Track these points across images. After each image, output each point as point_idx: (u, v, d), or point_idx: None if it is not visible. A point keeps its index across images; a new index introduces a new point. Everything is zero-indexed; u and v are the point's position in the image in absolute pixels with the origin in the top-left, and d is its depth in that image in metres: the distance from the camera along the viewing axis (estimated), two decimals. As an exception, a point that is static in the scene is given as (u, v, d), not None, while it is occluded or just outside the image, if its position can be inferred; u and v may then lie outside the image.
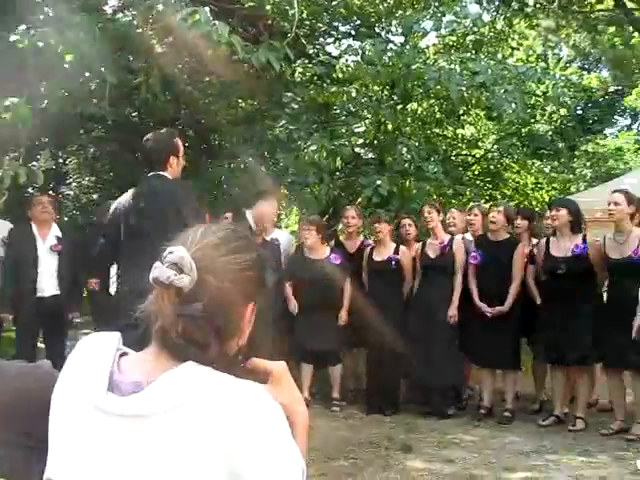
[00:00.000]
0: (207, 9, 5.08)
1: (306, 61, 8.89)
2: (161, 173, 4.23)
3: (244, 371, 1.31)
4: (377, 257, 6.84)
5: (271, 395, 1.24)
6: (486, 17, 12.80)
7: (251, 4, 8.57)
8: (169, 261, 1.23)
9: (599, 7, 14.86)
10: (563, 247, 6.04)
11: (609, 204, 5.80)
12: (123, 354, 1.28)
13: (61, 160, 12.74)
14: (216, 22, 4.70)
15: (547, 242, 6.23)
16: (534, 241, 6.72)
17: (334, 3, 9.60)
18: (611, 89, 21.98)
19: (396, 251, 6.78)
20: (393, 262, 6.73)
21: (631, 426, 5.77)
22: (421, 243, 6.83)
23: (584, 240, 6.00)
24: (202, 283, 1.23)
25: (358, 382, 7.26)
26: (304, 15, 9.33)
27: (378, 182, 7.27)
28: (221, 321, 1.24)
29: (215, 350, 1.22)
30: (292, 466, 1.19)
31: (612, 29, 15.40)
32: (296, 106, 8.02)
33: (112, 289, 6.35)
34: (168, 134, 4.48)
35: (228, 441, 1.13)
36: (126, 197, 4.33)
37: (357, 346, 7.13)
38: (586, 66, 24.70)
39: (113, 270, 5.70)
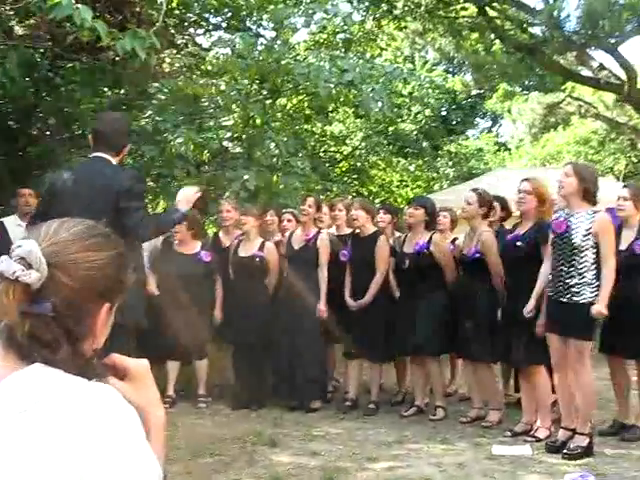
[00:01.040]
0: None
1: (174, 51, 8.72)
2: (107, 157, 3.96)
3: (99, 372, 1.25)
4: (242, 252, 6.81)
5: (128, 395, 1.19)
6: (356, 17, 13.02)
7: (118, -11, 8.31)
8: (17, 255, 1.15)
9: (463, 13, 15.42)
10: (412, 243, 6.29)
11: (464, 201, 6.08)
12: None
13: None
14: (79, 5, 4.50)
15: (405, 238, 6.48)
16: (397, 235, 6.93)
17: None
18: (473, 92, 22.92)
19: (261, 247, 6.79)
20: (257, 259, 6.73)
21: (487, 413, 6.06)
22: (289, 233, 6.86)
23: (430, 238, 6.25)
24: (52, 280, 1.16)
25: (224, 377, 7.21)
26: (173, 4, 9.14)
27: (246, 176, 7.22)
28: (72, 321, 1.18)
29: (66, 351, 1.15)
30: (146, 472, 1.13)
31: (475, 35, 16.02)
32: (163, 97, 7.83)
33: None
34: (125, 118, 4.22)
35: (77, 448, 1.06)
36: (66, 178, 4.02)
37: (223, 342, 7.07)
38: (451, 69, 25.67)
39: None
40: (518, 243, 5.53)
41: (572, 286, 5.02)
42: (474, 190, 6.18)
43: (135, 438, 1.14)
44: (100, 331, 1.27)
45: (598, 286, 4.95)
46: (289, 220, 6.96)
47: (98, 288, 1.23)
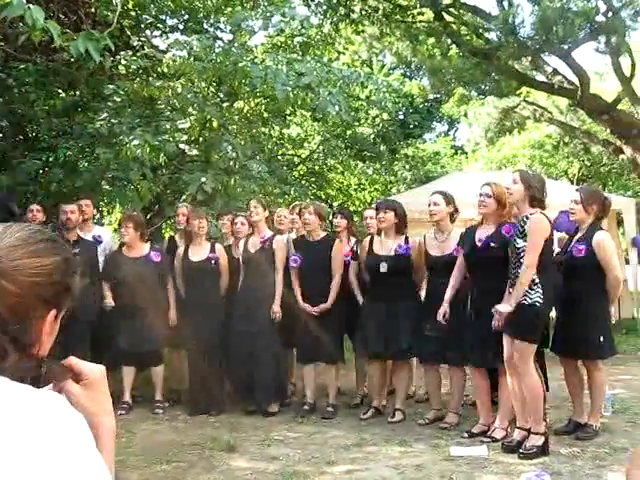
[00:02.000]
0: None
1: (130, 53, 8.61)
2: None
3: (57, 375, 1.21)
4: (194, 257, 6.76)
5: (81, 400, 1.16)
6: (314, 20, 13.05)
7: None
8: None
9: (420, 18, 15.57)
10: (386, 246, 6.26)
11: (429, 205, 6.06)
12: None
13: None
14: (31, 5, 4.43)
15: (371, 241, 6.43)
16: (353, 240, 6.91)
17: (161, -5, 9.37)
18: (430, 97, 23.10)
19: (212, 249, 6.75)
20: (213, 261, 6.69)
21: (445, 415, 6.09)
22: (245, 237, 6.81)
23: (406, 240, 6.25)
24: None
25: (182, 383, 7.13)
26: (129, 6, 9.04)
27: (202, 179, 7.17)
28: (17, 329, 1.14)
29: (13, 359, 1.12)
30: None
31: (432, 40, 16.17)
32: (119, 99, 7.74)
33: None
34: None
35: (24, 458, 1.02)
36: None
37: (179, 347, 7.01)
38: (408, 73, 25.84)
39: None
40: (492, 244, 5.53)
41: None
42: (438, 192, 6.19)
43: (84, 447, 1.10)
44: (46, 338, 1.23)
45: (540, 287, 5.02)
46: (242, 223, 6.88)
47: (44, 294, 1.19)
